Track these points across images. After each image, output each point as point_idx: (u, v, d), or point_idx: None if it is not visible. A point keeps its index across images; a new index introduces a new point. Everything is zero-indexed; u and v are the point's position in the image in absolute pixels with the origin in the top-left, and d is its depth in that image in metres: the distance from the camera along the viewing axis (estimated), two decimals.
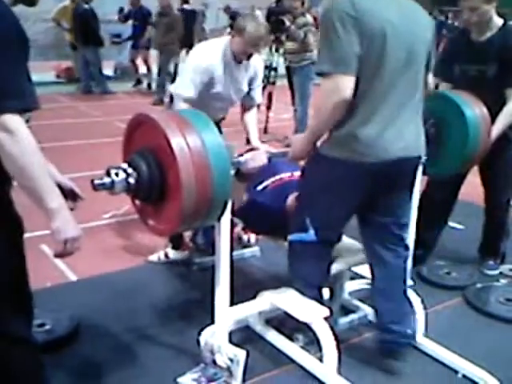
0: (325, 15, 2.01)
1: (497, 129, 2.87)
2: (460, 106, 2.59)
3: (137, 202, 1.98)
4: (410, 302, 2.41)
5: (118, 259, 3.34)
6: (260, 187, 2.59)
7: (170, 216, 1.82)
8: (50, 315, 2.59)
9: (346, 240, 2.55)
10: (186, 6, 10.02)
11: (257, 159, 2.02)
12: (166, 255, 3.24)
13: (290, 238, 2.36)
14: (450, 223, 3.98)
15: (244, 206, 2.50)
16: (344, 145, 2.06)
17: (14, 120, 1.45)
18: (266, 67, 6.34)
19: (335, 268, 2.46)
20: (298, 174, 2.68)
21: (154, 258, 3.28)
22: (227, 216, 2.07)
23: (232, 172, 1.92)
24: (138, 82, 10.31)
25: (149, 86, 10.12)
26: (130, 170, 1.79)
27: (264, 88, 6.45)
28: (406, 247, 2.40)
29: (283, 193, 2.56)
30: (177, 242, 3.23)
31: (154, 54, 9.43)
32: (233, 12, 11.26)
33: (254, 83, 3.09)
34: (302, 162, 2.37)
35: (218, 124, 2.80)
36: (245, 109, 3.15)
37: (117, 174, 1.78)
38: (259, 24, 2.82)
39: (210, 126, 1.81)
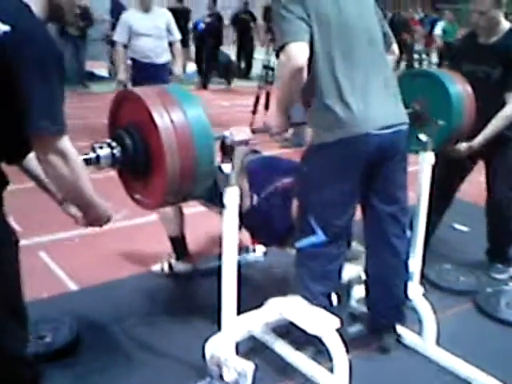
0: (274, 4, 2.12)
1: (487, 132, 2.91)
2: (444, 83, 2.59)
3: (123, 177, 1.99)
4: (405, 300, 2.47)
5: (119, 267, 3.25)
6: (264, 193, 2.52)
7: (156, 189, 1.84)
8: (50, 327, 2.52)
9: (355, 246, 2.49)
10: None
11: (241, 132, 2.00)
12: (170, 266, 3.15)
13: (298, 245, 2.30)
14: (456, 225, 3.95)
15: (249, 214, 2.42)
16: (327, 127, 2.12)
17: (64, 142, 1.55)
18: (264, 67, 6.28)
19: (346, 274, 2.39)
20: None
21: (157, 268, 3.18)
22: (234, 221, 2.02)
23: (216, 146, 1.95)
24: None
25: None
26: (114, 144, 1.82)
27: (261, 88, 6.42)
28: (407, 239, 2.42)
29: (288, 198, 2.49)
30: (181, 253, 3.13)
31: None
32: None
33: None
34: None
35: None
36: None
37: (101, 148, 1.81)
38: None
39: (192, 100, 1.83)
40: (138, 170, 1.87)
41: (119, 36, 5.31)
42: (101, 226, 1.89)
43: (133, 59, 5.37)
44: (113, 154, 1.81)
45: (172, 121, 1.74)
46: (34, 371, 1.77)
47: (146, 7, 5.21)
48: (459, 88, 2.62)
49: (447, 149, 2.83)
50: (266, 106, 6.34)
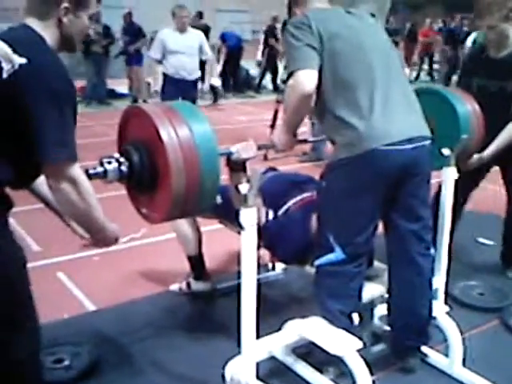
0: (288, 30, 2.16)
1: (498, 142, 2.86)
2: (451, 102, 2.54)
3: (131, 191, 2.00)
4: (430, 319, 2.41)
5: (137, 287, 3.23)
6: (282, 210, 2.48)
7: (162, 203, 1.85)
8: (69, 349, 2.50)
9: (377, 264, 2.43)
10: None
11: (248, 149, 2.00)
12: (188, 285, 3.11)
13: (316, 263, 2.26)
14: (480, 239, 3.86)
15: (266, 231, 2.37)
16: (346, 143, 2.10)
17: (75, 170, 1.63)
18: (284, 81, 6.26)
19: (368, 293, 2.34)
20: None
21: (175, 287, 3.16)
22: (252, 242, 1.99)
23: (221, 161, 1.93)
24: (135, 100, 10.17)
25: (144, 102, 10.03)
26: (122, 159, 1.83)
27: (280, 102, 6.38)
28: (431, 257, 2.36)
29: (306, 214, 2.46)
30: (199, 272, 3.09)
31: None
32: None
33: None
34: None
35: None
36: None
37: (109, 163, 1.83)
38: None
39: (198, 115, 1.84)
40: (144, 184, 1.88)
41: (156, 54, 5.92)
42: (107, 246, 1.93)
43: (164, 74, 5.92)
44: (120, 169, 1.83)
45: (178, 137, 1.75)
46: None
47: (182, 28, 5.84)
48: (467, 107, 2.56)
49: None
50: None
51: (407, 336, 2.40)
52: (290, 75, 2.10)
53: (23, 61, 1.55)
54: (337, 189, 2.17)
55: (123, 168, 1.83)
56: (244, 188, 1.95)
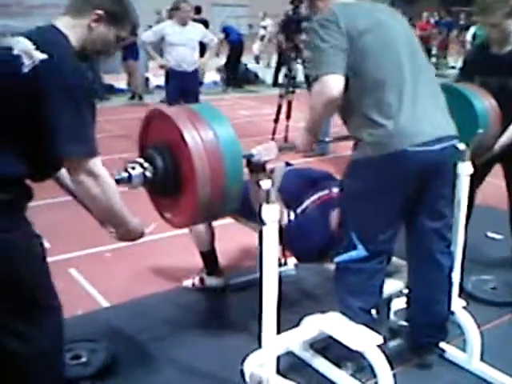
0: (313, 28, 2.11)
1: (505, 138, 2.84)
2: (469, 98, 2.55)
3: (153, 195, 2.01)
4: (449, 315, 2.41)
5: (150, 282, 3.23)
6: (300, 209, 2.48)
7: (186, 208, 1.85)
8: (85, 346, 2.49)
9: (396, 260, 2.43)
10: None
11: (269, 151, 2.03)
12: (202, 281, 3.12)
13: (337, 259, 2.25)
14: (489, 233, 3.87)
15: (287, 231, 2.37)
16: (375, 141, 2.06)
17: (96, 164, 1.65)
18: (286, 76, 6.25)
19: (387, 290, 2.34)
20: (337, 190, 2.58)
21: (188, 283, 3.15)
22: (274, 238, 1.99)
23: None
24: (134, 95, 10.19)
25: (140, 97, 10.05)
26: (146, 165, 1.83)
27: (283, 96, 6.38)
28: (451, 254, 2.37)
29: (325, 212, 2.45)
30: (212, 268, 3.10)
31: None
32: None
33: None
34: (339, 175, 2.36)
35: None
36: None
37: (134, 169, 1.83)
38: None
39: (221, 118, 1.83)
40: (168, 188, 1.88)
41: (147, 37, 6.04)
42: (133, 240, 1.95)
43: (167, 67, 5.97)
44: (144, 174, 1.83)
45: (202, 140, 1.74)
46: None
47: (183, 22, 5.90)
48: (484, 102, 2.57)
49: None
50: (288, 116, 6.30)
51: (426, 332, 2.41)
52: (315, 79, 2.06)
53: (44, 56, 1.58)
54: (362, 187, 2.14)
55: (148, 173, 1.83)
56: (266, 184, 1.95)
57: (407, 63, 2.11)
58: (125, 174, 1.83)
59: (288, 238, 2.31)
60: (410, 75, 2.10)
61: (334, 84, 2.02)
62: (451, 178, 2.28)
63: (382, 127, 2.04)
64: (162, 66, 6.05)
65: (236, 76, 11.71)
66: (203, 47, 6.28)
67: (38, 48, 1.59)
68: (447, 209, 2.29)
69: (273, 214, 1.96)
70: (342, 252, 2.23)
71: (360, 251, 2.17)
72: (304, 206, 2.47)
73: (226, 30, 11.60)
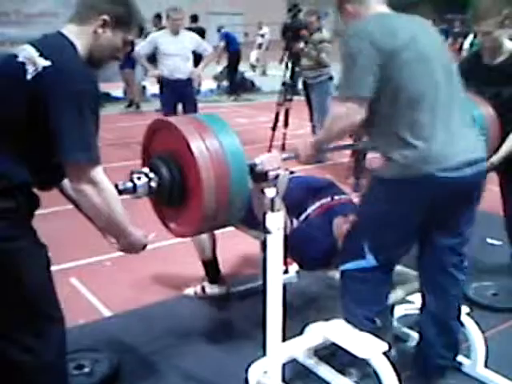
0: (345, 40, 2.02)
1: (505, 149, 2.86)
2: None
3: (158, 205, 2.01)
4: (461, 329, 2.36)
5: (151, 292, 3.22)
6: (303, 216, 2.48)
7: (191, 218, 1.84)
8: (88, 356, 2.48)
9: (399, 268, 2.43)
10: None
11: (272, 161, 2.00)
12: (203, 289, 3.11)
13: (344, 267, 2.24)
14: (488, 240, 3.88)
15: (290, 239, 2.37)
16: (405, 162, 1.98)
17: (98, 173, 1.63)
18: (283, 84, 6.26)
19: (391, 297, 2.34)
20: (338, 197, 2.59)
21: (190, 291, 3.15)
22: (279, 247, 1.99)
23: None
24: (131, 104, 10.22)
25: (137, 105, 10.07)
26: (151, 175, 1.83)
27: (281, 104, 6.39)
28: (465, 269, 2.31)
29: (327, 220, 2.46)
30: (213, 276, 3.09)
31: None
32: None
33: None
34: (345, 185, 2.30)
35: None
36: None
37: (139, 179, 1.83)
38: None
39: (226, 129, 1.83)
40: (173, 199, 1.86)
41: (142, 48, 5.97)
42: (136, 252, 1.92)
43: (161, 77, 5.96)
44: (149, 185, 1.83)
45: (208, 150, 1.74)
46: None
47: (175, 31, 5.84)
48: (481, 111, 2.56)
49: None
50: (286, 123, 6.30)
51: (441, 355, 2.34)
52: (340, 98, 2.02)
53: (47, 63, 1.58)
54: (384, 203, 2.08)
55: (153, 183, 1.82)
56: (271, 192, 1.95)
57: (442, 81, 2.03)
58: (129, 184, 1.83)
59: (291, 245, 2.32)
60: (445, 94, 2.02)
61: (358, 110, 1.96)
62: (478, 200, 2.20)
63: (415, 148, 1.96)
64: (154, 76, 6.10)
65: (234, 84, 11.74)
66: (198, 56, 6.23)
67: (41, 55, 1.59)
68: (466, 227, 2.23)
69: (277, 222, 1.97)
70: (349, 260, 2.21)
71: (369, 261, 2.15)
72: (306, 213, 2.48)
73: (227, 38, 11.59)
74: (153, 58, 6.18)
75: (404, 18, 2.11)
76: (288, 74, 6.17)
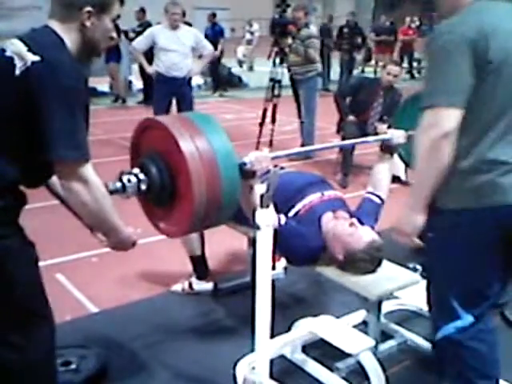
0: (436, 40, 1.69)
1: None
2: None
3: (146, 205, 1.99)
4: None
5: (138, 288, 3.20)
6: (292, 213, 2.48)
7: (182, 218, 1.84)
8: (75, 352, 2.46)
9: (388, 264, 2.44)
10: None
11: (261, 160, 1.97)
12: (191, 286, 3.09)
13: (439, 335, 1.87)
14: None
15: (280, 236, 2.37)
16: (476, 191, 1.70)
17: (88, 170, 1.60)
18: (271, 80, 6.25)
19: (378, 292, 2.34)
20: (328, 193, 2.59)
21: (177, 288, 3.13)
22: (268, 243, 1.99)
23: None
24: (117, 98, 10.17)
25: (123, 100, 10.03)
26: (141, 176, 1.82)
27: (268, 100, 6.39)
28: None
29: (316, 215, 2.46)
30: (202, 272, 3.08)
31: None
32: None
33: None
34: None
35: None
36: None
37: (129, 180, 1.82)
38: None
39: (216, 128, 1.83)
40: (163, 198, 1.85)
41: (139, 44, 5.87)
42: (125, 250, 1.91)
43: (157, 73, 5.79)
44: (139, 184, 1.82)
45: (198, 149, 1.73)
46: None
47: (174, 26, 5.65)
48: None
49: None
50: (273, 120, 6.31)
51: None
52: (427, 107, 1.67)
53: (36, 58, 1.55)
54: (460, 245, 1.76)
55: (142, 184, 1.82)
56: (261, 189, 1.95)
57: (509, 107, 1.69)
58: (119, 184, 1.82)
59: (280, 241, 2.32)
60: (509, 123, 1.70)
61: (448, 119, 1.63)
62: None
63: (487, 176, 1.68)
64: (150, 75, 6.00)
65: (218, 80, 11.67)
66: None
67: (30, 50, 1.57)
68: None
69: (267, 218, 1.97)
70: (444, 323, 1.85)
71: (466, 319, 1.81)
72: (296, 209, 2.48)
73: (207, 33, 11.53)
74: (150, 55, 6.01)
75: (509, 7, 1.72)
76: (276, 69, 6.18)
